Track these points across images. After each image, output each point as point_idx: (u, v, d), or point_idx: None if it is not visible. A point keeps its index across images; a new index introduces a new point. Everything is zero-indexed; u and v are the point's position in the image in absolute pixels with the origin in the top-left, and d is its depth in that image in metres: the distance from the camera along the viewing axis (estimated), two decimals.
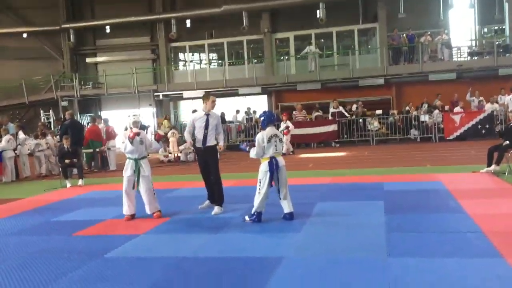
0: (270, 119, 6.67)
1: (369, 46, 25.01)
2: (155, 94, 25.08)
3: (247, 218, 6.60)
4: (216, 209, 7.31)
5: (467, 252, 4.82)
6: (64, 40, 26.91)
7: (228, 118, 21.46)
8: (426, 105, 19.20)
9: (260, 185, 6.49)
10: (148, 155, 7.45)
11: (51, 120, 22.32)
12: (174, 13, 25.54)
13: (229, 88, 23.64)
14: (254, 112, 21.20)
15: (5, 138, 13.41)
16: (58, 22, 26.56)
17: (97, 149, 14.71)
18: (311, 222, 6.36)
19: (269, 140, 6.42)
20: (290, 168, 12.59)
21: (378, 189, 8.55)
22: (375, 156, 14.74)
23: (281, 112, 20.69)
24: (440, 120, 18.06)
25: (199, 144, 7.37)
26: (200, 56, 27.22)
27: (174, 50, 26.80)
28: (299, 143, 19.19)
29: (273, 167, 6.40)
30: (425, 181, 9.25)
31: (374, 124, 18.67)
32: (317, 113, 19.79)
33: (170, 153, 16.55)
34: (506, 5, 22.00)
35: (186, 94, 24.33)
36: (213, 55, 27.22)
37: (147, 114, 24.82)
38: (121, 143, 7.34)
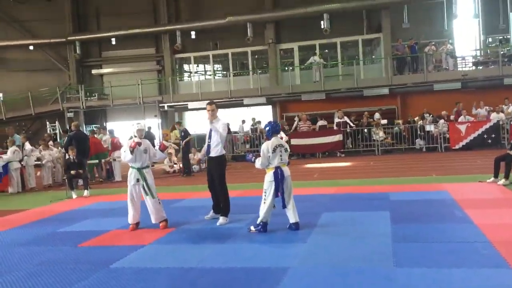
0: (275, 129, 6.69)
1: (373, 56, 25.06)
2: (160, 105, 25.19)
3: (252, 228, 6.59)
4: (221, 219, 7.27)
5: (474, 262, 4.79)
6: (70, 52, 27.15)
7: (234, 128, 21.48)
8: (429, 115, 19.14)
9: (265, 195, 6.48)
10: (153, 165, 7.44)
11: (57, 131, 22.41)
12: (179, 24, 25.73)
13: (234, 99, 23.73)
14: (259, 122, 21.22)
15: (10, 150, 13.49)
16: (64, 34, 26.81)
17: (103, 160, 14.76)
18: (317, 232, 6.34)
19: (274, 150, 6.44)
20: (296, 178, 12.57)
21: (384, 199, 8.51)
22: (381, 166, 14.70)
23: (286, 122, 20.75)
24: (445, 129, 18.01)
25: (207, 154, 7.46)
26: (205, 67, 27.36)
27: (179, 61, 26.96)
28: (304, 153, 19.21)
29: (278, 177, 6.40)
30: (431, 191, 9.21)
31: (379, 134, 18.64)
32: (322, 123, 19.79)
33: (175, 164, 16.58)
34: (511, 15, 22.02)
35: (191, 105, 24.42)
36: (218, 66, 27.35)
37: (153, 125, 24.91)
38: (122, 151, 7.32)
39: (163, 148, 7.47)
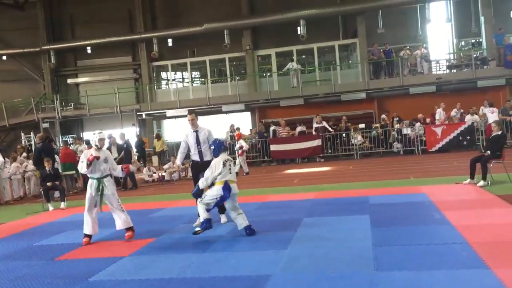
0: (221, 147, 6.88)
1: (350, 61, 25.34)
2: (138, 113, 24.97)
3: (198, 229, 6.72)
4: (223, 218, 7.65)
5: (454, 263, 4.84)
6: (45, 62, 26.76)
7: (215, 135, 21.36)
8: (398, 119, 19.42)
9: (204, 197, 6.70)
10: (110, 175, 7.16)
11: (32, 142, 22.00)
12: (155, 32, 25.61)
13: (212, 106, 23.68)
14: (238, 129, 21.20)
15: None
16: (38, 43, 26.42)
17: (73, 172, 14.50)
18: (298, 238, 6.33)
19: (223, 165, 6.66)
20: (275, 184, 12.64)
21: (363, 203, 8.57)
22: (360, 170, 14.82)
23: (264, 128, 20.78)
24: (422, 132, 18.29)
25: (196, 158, 7.64)
26: (182, 75, 27.26)
27: (156, 69, 26.81)
28: (284, 158, 19.25)
29: (227, 192, 6.59)
30: (409, 193, 9.31)
31: (357, 138, 18.81)
32: (300, 129, 19.88)
33: (154, 173, 16.42)
34: (482, 19, 22.54)
35: (169, 113, 24.28)
36: (196, 73, 27.29)
37: (131, 134, 24.65)
38: (80, 162, 7.12)
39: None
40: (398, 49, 23.24)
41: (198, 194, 6.86)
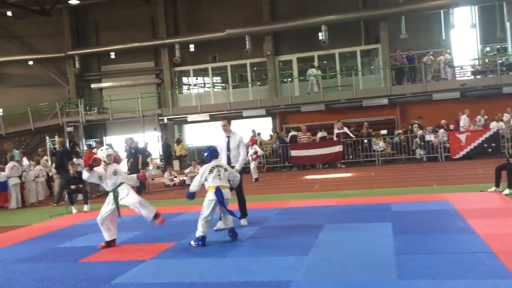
0: (213, 154, 7.03)
1: (371, 67, 25.16)
2: (160, 118, 25.21)
3: (192, 242, 6.72)
4: (243, 221, 7.83)
5: (479, 273, 4.74)
6: (70, 67, 27.24)
7: None
8: (417, 125, 19.14)
9: (203, 211, 6.75)
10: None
11: (57, 146, 22.39)
12: (177, 38, 25.85)
13: (233, 111, 23.74)
14: (259, 134, 21.26)
15: (8, 166, 13.47)
16: (64, 49, 26.94)
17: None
18: (319, 245, 6.29)
19: (211, 171, 6.80)
20: (296, 190, 12.60)
21: (385, 210, 8.47)
22: (381, 177, 14.67)
23: (285, 133, 20.74)
24: (445, 139, 18.02)
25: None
26: (204, 80, 27.43)
27: (178, 74, 27.04)
28: (304, 164, 19.18)
29: (220, 196, 6.69)
30: (432, 201, 9.18)
31: (379, 145, 18.64)
32: (322, 134, 19.80)
33: (176, 177, 16.55)
34: (508, 24, 22.16)
35: (190, 117, 24.45)
36: (217, 79, 27.44)
37: (152, 138, 24.91)
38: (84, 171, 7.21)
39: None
40: (421, 54, 22.97)
41: (190, 196, 7.04)
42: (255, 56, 24.84)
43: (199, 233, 6.68)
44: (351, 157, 18.91)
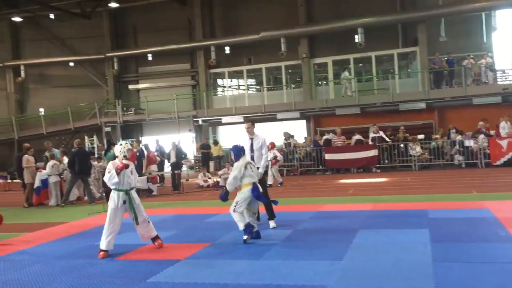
0: (239, 152, 7.15)
1: (409, 70, 24.71)
2: (195, 119, 25.50)
3: (245, 237, 6.81)
4: (272, 223, 7.96)
5: None
6: (108, 68, 27.92)
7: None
8: (455, 131, 18.65)
9: (236, 206, 6.90)
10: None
11: (95, 145, 22.96)
12: (213, 40, 26.10)
13: (267, 113, 23.79)
14: (292, 136, 21.20)
15: (49, 164, 13.89)
16: (103, 51, 27.62)
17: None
18: (353, 250, 6.21)
19: (245, 168, 6.99)
20: (330, 193, 12.49)
21: (422, 216, 8.29)
22: (418, 182, 14.37)
23: (320, 136, 20.59)
24: (486, 145, 17.50)
25: None
26: (238, 82, 27.59)
27: (213, 76, 27.29)
28: (339, 168, 19.00)
29: (256, 192, 6.84)
30: (472, 208, 8.93)
31: (416, 149, 18.27)
32: (357, 138, 19.57)
33: (210, 178, 16.68)
34: None
35: (225, 119, 24.63)
36: (252, 81, 27.55)
37: (187, 139, 25.22)
38: (106, 173, 6.67)
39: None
40: (461, 58, 22.40)
41: (225, 196, 7.15)
42: (290, 59, 24.82)
43: (241, 225, 6.81)
44: (386, 161, 18.61)
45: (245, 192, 6.90)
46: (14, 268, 6.28)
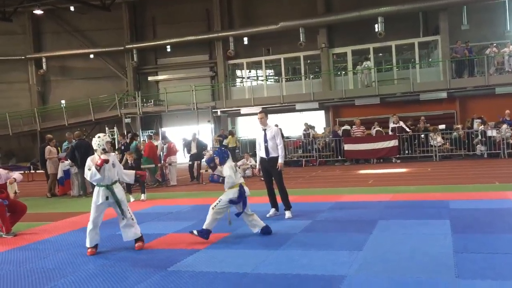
0: (224, 156, 6.93)
1: (430, 59, 24.34)
2: (213, 110, 25.57)
3: (195, 232, 6.70)
4: (288, 213, 8.02)
5: None
6: (128, 60, 28.14)
7: (288, 133, 21.57)
8: (479, 120, 18.31)
9: (218, 203, 6.71)
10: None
11: (115, 136, 23.25)
12: (232, 31, 26.07)
13: (286, 104, 23.73)
14: (312, 127, 21.12)
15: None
16: (123, 43, 27.83)
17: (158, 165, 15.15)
18: (373, 240, 6.19)
19: (234, 169, 6.92)
20: (349, 184, 12.43)
21: (443, 207, 8.21)
22: (439, 173, 14.20)
23: (338, 127, 20.45)
24: (508, 135, 17.17)
25: (262, 154, 8.13)
26: (257, 73, 27.54)
27: (232, 67, 27.29)
28: (358, 158, 18.88)
29: (242, 195, 6.70)
30: (494, 199, 8.80)
31: (437, 140, 18.03)
32: (376, 128, 19.40)
33: None
34: None
35: (243, 110, 24.65)
36: (270, 71, 27.47)
37: (206, 131, 25.33)
38: (86, 170, 6.28)
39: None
40: (483, 46, 21.96)
41: (216, 181, 6.92)
42: (309, 49, 24.66)
43: (207, 224, 6.62)
44: (407, 152, 18.41)
45: (230, 194, 6.71)
46: (39, 256, 6.43)
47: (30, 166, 22.14)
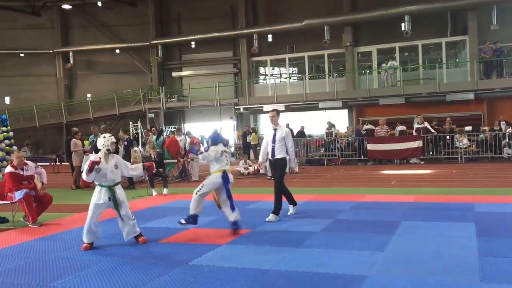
0: (216, 138, 7.11)
1: (457, 60, 23.90)
2: (236, 107, 25.62)
3: (183, 221, 6.82)
4: (271, 216, 7.73)
5: None
6: (153, 55, 28.44)
7: (310, 132, 21.47)
8: (505, 123, 17.90)
9: (201, 188, 6.85)
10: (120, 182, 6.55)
11: (139, 131, 23.51)
12: (256, 28, 26.07)
13: (309, 102, 23.63)
14: (334, 126, 20.99)
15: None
16: (148, 38, 28.12)
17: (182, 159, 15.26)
18: (395, 241, 6.12)
19: (221, 154, 6.97)
20: (372, 184, 12.31)
21: (468, 210, 8.06)
22: (464, 175, 13.96)
23: (362, 126, 20.26)
24: None
25: (270, 156, 7.93)
26: (280, 70, 27.49)
27: (255, 64, 27.30)
28: (381, 159, 18.68)
29: (225, 180, 6.81)
30: None
31: (463, 141, 17.71)
32: (401, 128, 19.16)
33: (250, 166, 16.76)
34: None
35: (266, 107, 24.59)
36: (294, 69, 27.38)
37: (228, 127, 25.40)
38: (83, 168, 6.37)
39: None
40: None
41: (196, 152, 7.08)
42: (333, 47, 24.50)
43: (192, 211, 6.81)
44: (431, 153, 18.13)
45: (212, 178, 6.90)
46: (63, 247, 6.55)
47: (56, 158, 22.58)
